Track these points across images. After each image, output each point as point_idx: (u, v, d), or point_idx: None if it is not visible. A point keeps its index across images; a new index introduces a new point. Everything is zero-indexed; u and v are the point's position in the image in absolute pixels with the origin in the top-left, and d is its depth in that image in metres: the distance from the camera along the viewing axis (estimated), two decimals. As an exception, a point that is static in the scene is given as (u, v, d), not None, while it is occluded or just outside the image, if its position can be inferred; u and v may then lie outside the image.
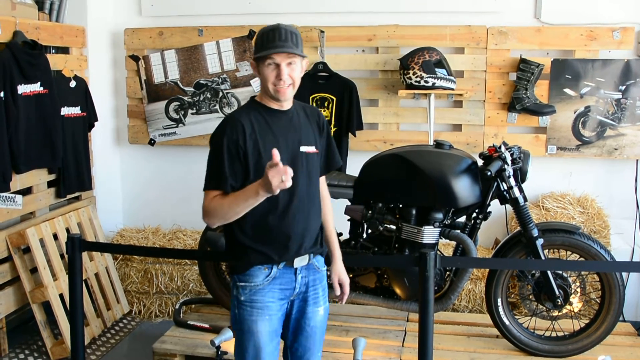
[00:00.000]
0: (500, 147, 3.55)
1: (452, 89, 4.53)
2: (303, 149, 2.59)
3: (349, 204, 3.88)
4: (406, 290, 3.69)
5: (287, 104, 2.60)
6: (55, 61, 4.48)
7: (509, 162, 3.51)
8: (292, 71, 2.51)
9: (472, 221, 3.69)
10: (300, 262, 2.60)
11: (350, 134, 4.80)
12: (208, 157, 2.54)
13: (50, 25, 4.57)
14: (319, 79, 4.78)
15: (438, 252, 3.71)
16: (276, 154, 2.26)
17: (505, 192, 3.60)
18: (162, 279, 4.79)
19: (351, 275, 3.84)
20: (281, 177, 2.24)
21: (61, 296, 4.25)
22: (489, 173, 3.43)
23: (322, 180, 2.80)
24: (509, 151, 3.54)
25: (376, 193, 3.78)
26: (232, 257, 2.63)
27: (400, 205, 3.75)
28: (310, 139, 2.63)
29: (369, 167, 3.81)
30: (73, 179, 4.64)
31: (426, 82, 4.43)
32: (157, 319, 4.87)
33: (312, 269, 2.67)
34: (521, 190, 3.59)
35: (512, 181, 3.55)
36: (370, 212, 3.78)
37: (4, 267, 4.09)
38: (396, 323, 4.09)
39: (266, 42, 2.48)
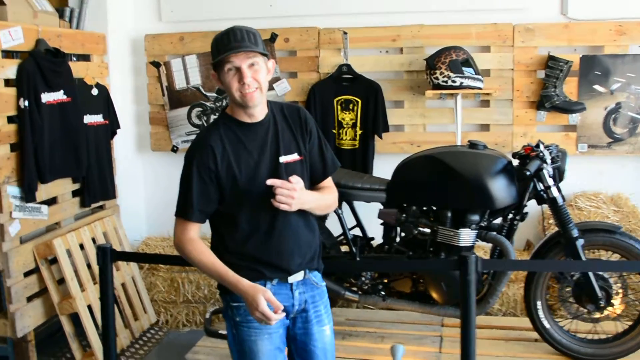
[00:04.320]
0: (538, 146, 3.46)
1: (480, 88, 4.44)
2: (283, 159, 2.40)
3: (382, 207, 3.80)
4: (443, 295, 3.60)
5: (259, 111, 2.39)
6: (77, 69, 4.42)
7: (548, 161, 3.42)
8: (255, 73, 2.31)
9: (509, 222, 3.61)
10: (294, 278, 2.44)
11: (376, 137, 4.73)
12: (180, 178, 2.41)
13: (71, 32, 4.53)
14: (343, 81, 4.71)
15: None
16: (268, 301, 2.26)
17: (542, 192, 3.51)
18: (189, 288, 4.72)
19: (386, 281, 3.77)
20: (262, 319, 2.25)
21: (89, 307, 4.19)
22: (527, 173, 3.34)
23: (328, 182, 2.57)
24: (548, 150, 3.46)
25: (410, 196, 3.69)
26: None
27: (435, 208, 3.67)
28: (291, 145, 2.43)
29: (402, 169, 3.72)
30: (97, 187, 4.57)
31: (454, 81, 4.35)
32: (184, 328, 4.80)
33: (310, 284, 2.50)
34: (559, 190, 3.50)
35: (550, 180, 3.46)
36: (404, 215, 3.69)
37: (31, 279, 4.04)
38: (432, 328, 4.00)
39: (222, 47, 2.30)
